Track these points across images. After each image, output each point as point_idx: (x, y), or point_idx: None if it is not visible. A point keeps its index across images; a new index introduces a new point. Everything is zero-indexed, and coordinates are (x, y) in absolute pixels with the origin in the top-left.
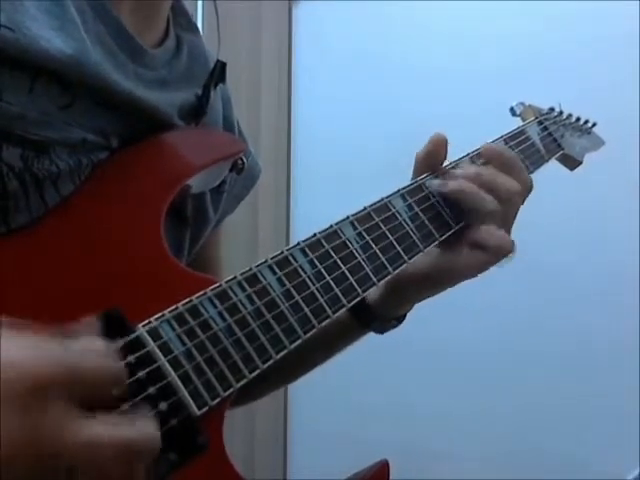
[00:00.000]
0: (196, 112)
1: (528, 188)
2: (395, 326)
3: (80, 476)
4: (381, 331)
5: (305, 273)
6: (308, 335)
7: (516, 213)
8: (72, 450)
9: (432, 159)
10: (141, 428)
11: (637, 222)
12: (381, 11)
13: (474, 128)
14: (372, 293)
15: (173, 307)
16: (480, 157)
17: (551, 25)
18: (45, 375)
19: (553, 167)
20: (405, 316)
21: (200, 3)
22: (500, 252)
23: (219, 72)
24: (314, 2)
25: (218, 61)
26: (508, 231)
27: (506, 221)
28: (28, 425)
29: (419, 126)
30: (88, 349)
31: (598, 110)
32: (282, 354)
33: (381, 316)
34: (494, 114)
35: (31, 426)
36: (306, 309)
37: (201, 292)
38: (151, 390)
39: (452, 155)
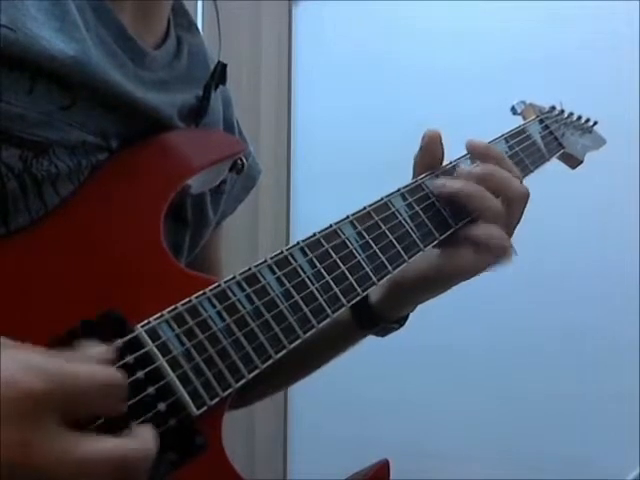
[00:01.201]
0: (197, 113)
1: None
2: (396, 329)
3: None
4: (382, 334)
5: (304, 273)
6: (308, 335)
7: (521, 215)
8: (66, 468)
9: (428, 156)
10: (138, 441)
11: (637, 221)
12: (381, 11)
13: (475, 127)
14: (374, 294)
15: (172, 307)
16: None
17: (552, 24)
18: (39, 391)
19: (554, 166)
20: (407, 319)
21: (200, 3)
22: (500, 254)
23: (220, 74)
24: (314, 2)
25: (219, 62)
26: (511, 232)
27: (510, 223)
28: (21, 443)
29: (419, 126)
30: (86, 360)
31: (599, 109)
32: (281, 354)
33: (383, 318)
34: (495, 113)
35: (24, 444)
36: (305, 309)
37: (200, 292)
38: (150, 390)
39: (453, 156)
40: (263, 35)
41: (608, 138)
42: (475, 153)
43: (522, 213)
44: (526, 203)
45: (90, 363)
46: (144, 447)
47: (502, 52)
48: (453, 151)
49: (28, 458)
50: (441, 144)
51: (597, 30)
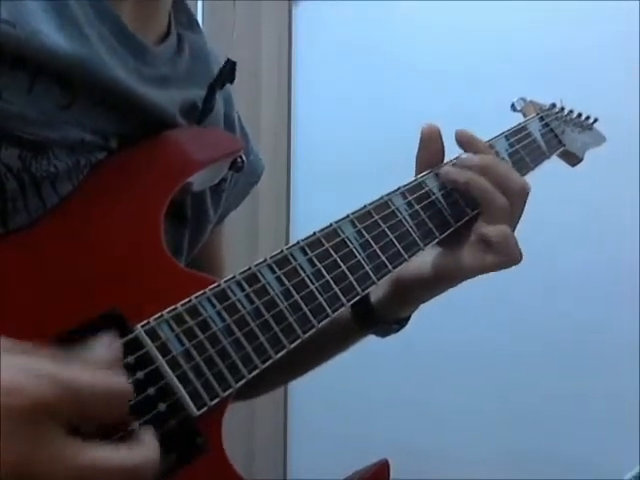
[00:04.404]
0: (202, 112)
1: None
2: (397, 330)
3: None
4: (382, 335)
5: (304, 272)
6: (307, 335)
7: (522, 211)
8: (69, 477)
9: (428, 153)
10: (141, 452)
11: (637, 220)
12: (381, 11)
13: (475, 125)
14: (375, 294)
15: (172, 307)
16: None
17: (552, 22)
18: (43, 398)
19: (554, 163)
20: (408, 320)
21: (200, 3)
22: (509, 258)
23: (229, 71)
24: (314, 2)
25: (228, 60)
26: (513, 229)
27: (512, 220)
28: (24, 451)
29: (419, 125)
30: (90, 365)
31: (599, 106)
32: (281, 354)
33: (385, 318)
34: (495, 111)
35: (27, 453)
36: (305, 308)
37: (200, 292)
38: (150, 391)
39: (454, 154)
40: (263, 35)
41: (608, 137)
42: (464, 141)
43: (523, 209)
44: (527, 197)
45: (96, 369)
46: (151, 459)
47: (502, 48)
48: (454, 149)
49: (31, 466)
50: (440, 139)
51: (597, 30)
